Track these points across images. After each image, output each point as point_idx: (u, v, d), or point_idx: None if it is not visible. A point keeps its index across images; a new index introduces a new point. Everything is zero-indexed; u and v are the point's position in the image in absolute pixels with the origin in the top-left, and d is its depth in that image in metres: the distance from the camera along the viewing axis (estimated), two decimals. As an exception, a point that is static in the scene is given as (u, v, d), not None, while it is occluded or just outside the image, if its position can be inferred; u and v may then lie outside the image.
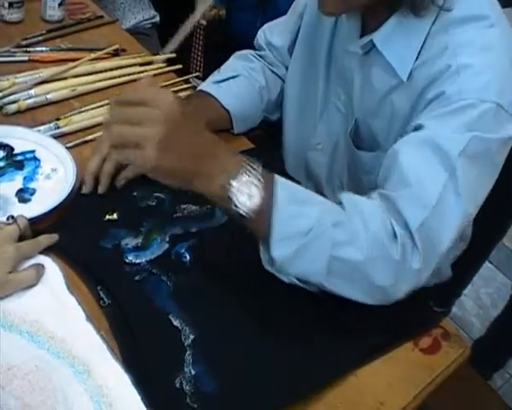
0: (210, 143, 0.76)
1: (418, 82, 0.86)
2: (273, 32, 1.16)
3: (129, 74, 1.21)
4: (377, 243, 0.76)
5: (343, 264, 0.76)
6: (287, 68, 1.14)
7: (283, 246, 0.75)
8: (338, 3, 0.86)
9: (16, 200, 0.88)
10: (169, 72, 1.27)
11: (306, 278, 0.78)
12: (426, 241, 0.77)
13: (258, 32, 1.19)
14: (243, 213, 0.74)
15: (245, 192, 0.73)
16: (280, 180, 0.76)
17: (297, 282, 0.78)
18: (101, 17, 1.41)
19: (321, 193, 1.08)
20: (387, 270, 0.77)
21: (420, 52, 0.86)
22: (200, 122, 0.79)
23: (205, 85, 1.08)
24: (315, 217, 0.75)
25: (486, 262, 2.08)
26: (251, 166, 0.74)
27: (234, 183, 0.73)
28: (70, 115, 1.05)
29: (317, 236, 0.75)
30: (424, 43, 0.86)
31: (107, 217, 0.87)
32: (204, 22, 1.87)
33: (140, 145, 0.70)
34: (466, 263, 1.89)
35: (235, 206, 0.73)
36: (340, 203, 0.80)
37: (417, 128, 0.82)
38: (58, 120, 1.03)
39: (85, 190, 0.90)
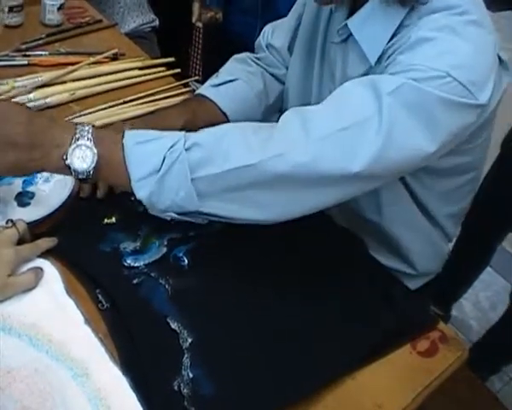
0: (37, 125, 0.77)
1: (384, 63, 0.87)
2: (275, 33, 1.16)
3: (128, 78, 1.21)
4: (241, 153, 0.76)
5: (207, 181, 0.77)
6: (287, 69, 1.14)
7: (143, 186, 0.77)
8: None
9: (15, 203, 0.88)
10: (168, 76, 1.27)
11: (181, 209, 0.78)
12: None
13: (262, 32, 1.19)
14: (86, 177, 0.77)
15: (78, 156, 0.76)
16: (128, 131, 0.79)
17: (177, 216, 0.79)
18: (100, 21, 1.42)
19: None
20: (249, 174, 0.76)
21: (390, 40, 0.86)
22: (22, 108, 0.80)
23: (203, 89, 1.09)
24: (164, 149, 0.77)
25: (487, 266, 2.09)
26: (80, 130, 0.77)
27: (67, 151, 0.76)
28: (69, 119, 1.05)
29: (171, 165, 0.76)
30: (396, 32, 0.86)
31: (106, 221, 0.88)
32: (200, 25, 1.87)
33: None
34: (466, 266, 1.90)
35: (75, 171, 0.76)
36: None
37: None
38: (57, 123, 1.03)
39: (83, 194, 0.91)
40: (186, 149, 0.76)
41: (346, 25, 0.90)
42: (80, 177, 0.77)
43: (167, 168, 0.76)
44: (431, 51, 0.79)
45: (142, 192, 0.77)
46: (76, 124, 0.78)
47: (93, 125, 0.78)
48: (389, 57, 0.86)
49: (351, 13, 0.93)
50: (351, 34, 0.91)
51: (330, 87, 1.01)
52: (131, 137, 0.78)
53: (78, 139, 0.76)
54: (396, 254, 1.05)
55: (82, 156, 0.76)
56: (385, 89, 0.77)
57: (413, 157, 0.79)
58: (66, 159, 0.76)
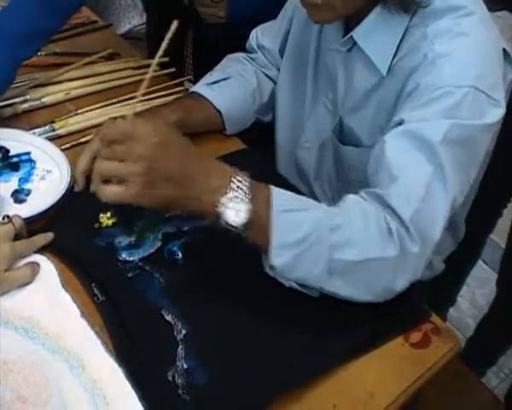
0: (194, 163, 0.77)
1: (399, 76, 0.88)
2: (264, 35, 1.17)
3: (122, 78, 1.22)
4: (375, 244, 0.77)
5: (342, 265, 0.77)
6: (279, 70, 1.16)
7: (282, 254, 0.76)
8: (327, 14, 0.88)
9: (12, 200, 0.89)
10: (162, 75, 1.28)
11: (307, 282, 0.79)
12: (420, 229, 0.79)
13: (251, 34, 1.20)
14: (233, 228, 0.76)
15: (232, 208, 0.74)
16: (275, 191, 0.78)
17: (297, 286, 0.79)
18: (96, 22, 1.43)
19: (310, 189, 1.10)
20: (387, 268, 0.78)
21: (399, 46, 0.88)
22: (181, 141, 0.78)
23: (197, 87, 1.10)
24: (311, 223, 0.77)
25: (482, 263, 2.09)
26: (237, 180, 0.76)
27: (221, 200, 0.74)
28: (65, 118, 1.06)
29: (315, 241, 0.76)
30: (403, 36, 0.87)
31: (101, 215, 0.88)
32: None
33: (125, 181, 0.74)
34: (458, 265, 1.90)
35: (225, 222, 0.75)
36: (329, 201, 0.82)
37: (399, 123, 0.84)
38: (53, 122, 1.05)
39: (77, 188, 0.91)
40: (330, 229, 0.77)
41: (351, 36, 0.91)
42: (229, 228, 0.76)
43: (310, 244, 0.76)
44: (452, 69, 0.82)
45: (278, 260, 0.76)
46: (231, 171, 0.77)
47: (247, 177, 0.77)
48: (402, 68, 0.87)
49: (347, 21, 0.94)
50: (355, 44, 0.91)
51: (327, 90, 1.02)
52: (280, 201, 0.77)
53: (234, 190, 0.74)
54: None
55: (236, 209, 0.74)
56: (434, 140, 0.79)
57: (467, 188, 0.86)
58: (218, 207, 0.74)
